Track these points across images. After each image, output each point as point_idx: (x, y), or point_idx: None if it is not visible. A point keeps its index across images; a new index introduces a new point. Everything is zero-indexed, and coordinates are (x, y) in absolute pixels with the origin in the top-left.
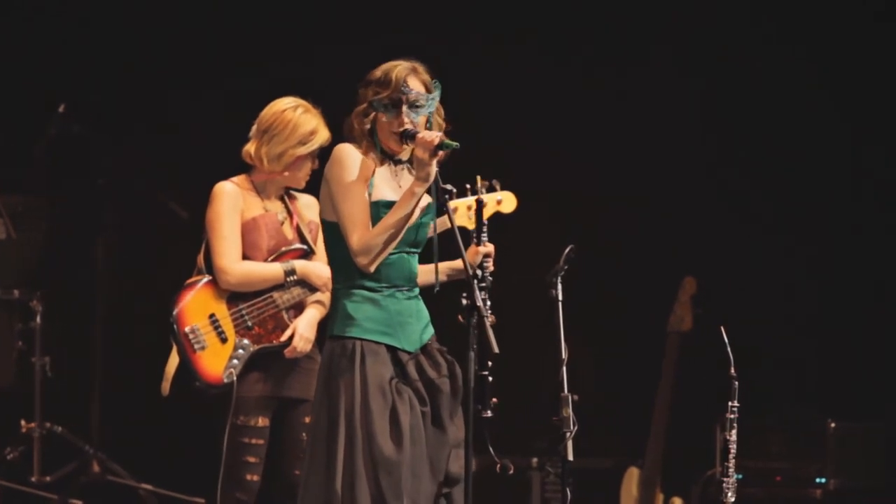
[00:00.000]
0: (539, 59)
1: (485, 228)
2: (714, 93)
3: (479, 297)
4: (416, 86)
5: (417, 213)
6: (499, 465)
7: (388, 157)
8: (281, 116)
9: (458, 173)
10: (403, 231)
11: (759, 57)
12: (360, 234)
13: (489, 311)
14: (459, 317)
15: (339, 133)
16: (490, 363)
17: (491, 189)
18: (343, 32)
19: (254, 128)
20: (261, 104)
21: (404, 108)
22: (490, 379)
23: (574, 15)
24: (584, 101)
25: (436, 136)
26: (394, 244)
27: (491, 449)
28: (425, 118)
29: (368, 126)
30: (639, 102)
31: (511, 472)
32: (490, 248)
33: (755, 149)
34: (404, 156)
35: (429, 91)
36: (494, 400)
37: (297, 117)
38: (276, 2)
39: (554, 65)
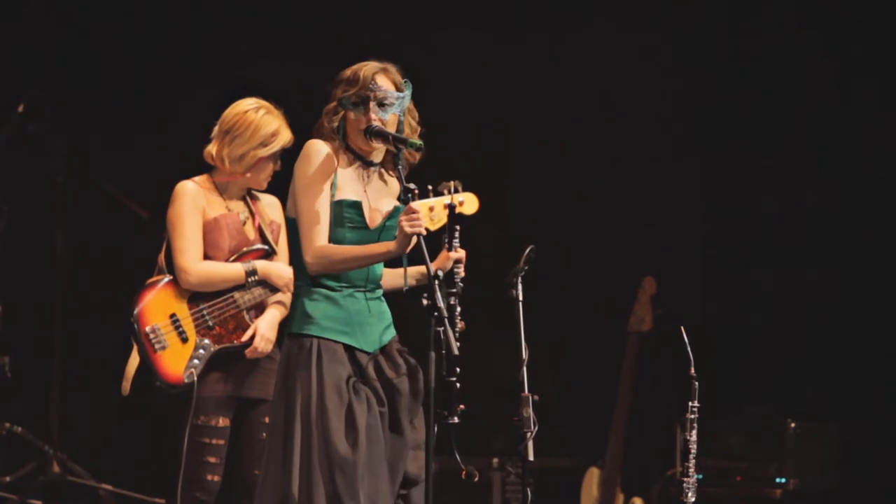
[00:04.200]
0: (498, 58)
1: (457, 234)
2: (673, 92)
3: (440, 298)
4: (385, 84)
5: (381, 218)
6: (464, 472)
7: (359, 159)
8: (243, 118)
9: (416, 174)
10: (358, 267)
11: (721, 57)
12: (319, 243)
13: (459, 318)
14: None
15: (303, 135)
16: (458, 370)
17: (453, 190)
18: (324, 35)
19: (216, 128)
20: (223, 103)
21: (372, 104)
22: (458, 385)
23: (534, 9)
24: (542, 101)
25: (422, 230)
26: (344, 269)
27: (457, 455)
28: (395, 117)
29: (336, 124)
30: (597, 102)
31: (476, 479)
32: (461, 253)
33: (714, 148)
34: (376, 157)
35: (399, 90)
36: (462, 406)
37: (258, 118)
38: (248, 2)
39: (512, 64)
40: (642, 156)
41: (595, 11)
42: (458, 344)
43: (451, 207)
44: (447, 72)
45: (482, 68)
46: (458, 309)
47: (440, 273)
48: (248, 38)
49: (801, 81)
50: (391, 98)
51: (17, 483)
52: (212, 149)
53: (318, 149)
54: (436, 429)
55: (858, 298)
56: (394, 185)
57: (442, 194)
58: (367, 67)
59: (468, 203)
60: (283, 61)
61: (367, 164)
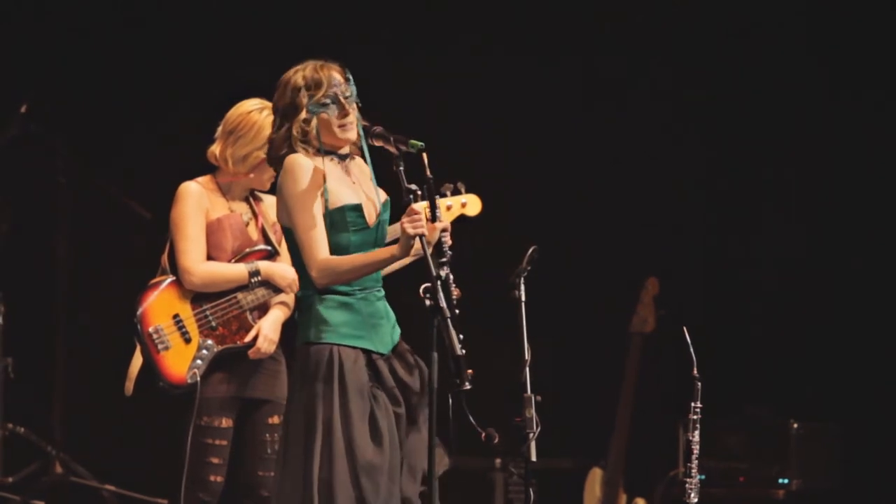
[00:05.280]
0: (499, 59)
1: (438, 205)
2: (673, 92)
3: (442, 298)
4: (339, 77)
5: (375, 213)
6: (483, 435)
7: (331, 154)
8: (247, 118)
9: (417, 175)
10: (365, 275)
11: (721, 57)
12: (322, 256)
13: (454, 286)
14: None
15: None
16: (461, 337)
17: (456, 192)
18: (324, 35)
19: (219, 129)
20: (224, 103)
21: (342, 99)
22: (464, 352)
23: (534, 10)
24: (545, 102)
25: (424, 231)
26: (351, 279)
27: (472, 420)
28: (356, 104)
29: (315, 131)
30: (598, 103)
31: (496, 440)
32: (447, 222)
33: (717, 149)
34: (346, 149)
35: (346, 78)
36: (470, 372)
37: (262, 119)
38: (248, 2)
39: (514, 66)
40: (642, 156)
41: (595, 11)
42: (457, 311)
43: (428, 181)
44: (447, 72)
45: (482, 68)
46: (451, 277)
47: (441, 273)
48: (248, 38)
49: (801, 81)
50: (350, 89)
51: (20, 484)
52: (215, 149)
53: (301, 163)
54: (450, 400)
55: (859, 298)
56: (364, 166)
57: (444, 195)
58: (321, 68)
59: (471, 204)
60: (283, 61)
61: (341, 157)
